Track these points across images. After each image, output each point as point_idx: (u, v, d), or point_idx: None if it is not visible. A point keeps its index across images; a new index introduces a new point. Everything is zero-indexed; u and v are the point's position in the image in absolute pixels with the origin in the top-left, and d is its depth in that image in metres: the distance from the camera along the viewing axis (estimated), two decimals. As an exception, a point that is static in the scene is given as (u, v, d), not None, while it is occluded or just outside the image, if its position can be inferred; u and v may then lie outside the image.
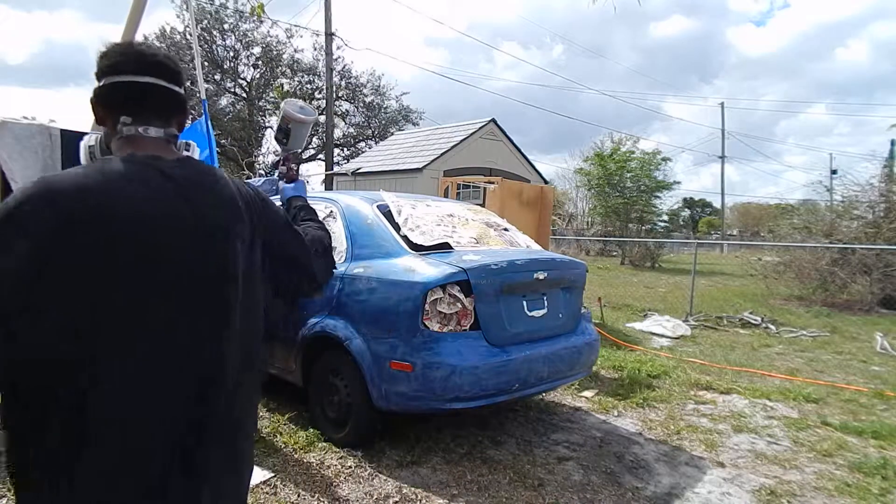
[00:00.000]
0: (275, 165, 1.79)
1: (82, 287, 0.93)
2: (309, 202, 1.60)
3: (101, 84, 1.10)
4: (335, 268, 1.47)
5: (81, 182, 0.96)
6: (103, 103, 1.11)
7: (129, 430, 0.98)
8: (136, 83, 1.09)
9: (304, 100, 26.88)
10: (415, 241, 3.28)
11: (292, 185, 1.64)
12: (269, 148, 29.39)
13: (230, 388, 1.08)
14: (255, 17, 23.41)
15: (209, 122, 3.55)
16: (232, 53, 26.53)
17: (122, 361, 0.96)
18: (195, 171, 1.11)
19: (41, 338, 0.92)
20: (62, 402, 0.93)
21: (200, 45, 24.31)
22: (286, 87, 26.36)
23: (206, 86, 23.58)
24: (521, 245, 3.89)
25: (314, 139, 28.96)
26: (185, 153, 1.18)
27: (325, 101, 17.47)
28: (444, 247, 3.29)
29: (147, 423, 1.00)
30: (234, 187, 1.15)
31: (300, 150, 1.95)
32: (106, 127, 1.13)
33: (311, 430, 3.40)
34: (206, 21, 24.91)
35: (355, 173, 16.27)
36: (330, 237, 1.47)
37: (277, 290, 1.29)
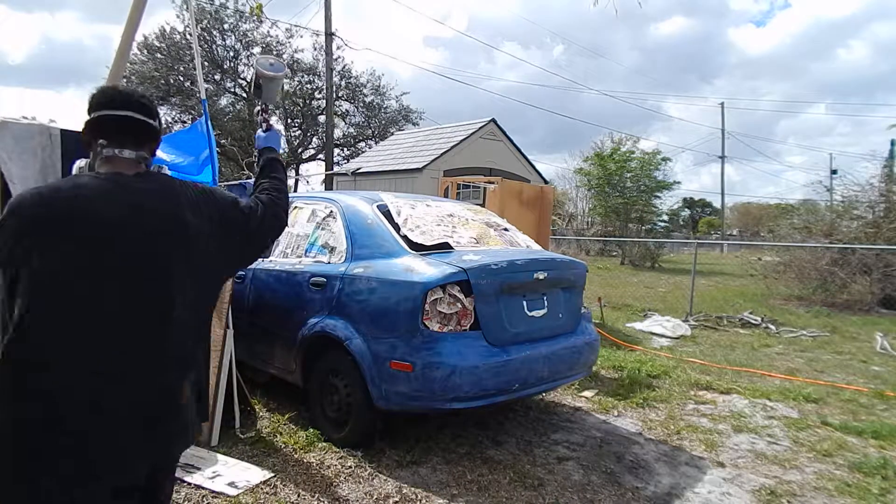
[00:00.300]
0: (256, 114, 2.04)
1: (44, 266, 1.22)
2: (277, 153, 1.86)
3: (91, 117, 1.40)
4: (286, 225, 1.72)
5: (44, 194, 1.29)
6: (91, 131, 1.40)
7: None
8: (117, 116, 1.39)
9: (304, 100, 26.99)
10: (415, 241, 3.28)
11: (265, 135, 1.89)
12: (269, 148, 29.31)
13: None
14: (254, 18, 23.42)
15: (209, 122, 3.55)
16: (232, 53, 26.52)
17: (68, 321, 1.24)
18: (149, 183, 1.39)
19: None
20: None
21: (200, 45, 24.29)
22: (286, 87, 26.35)
23: (206, 86, 23.58)
24: (521, 245, 3.88)
25: (314, 139, 28.99)
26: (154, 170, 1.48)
27: (325, 101, 17.47)
28: (444, 247, 3.29)
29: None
30: (183, 196, 1.41)
31: (274, 103, 2.20)
32: (92, 150, 1.41)
33: (311, 430, 3.40)
34: (206, 21, 24.88)
35: (355, 173, 16.26)
36: (286, 197, 1.72)
37: (228, 268, 1.60)
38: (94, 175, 1.35)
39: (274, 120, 2.01)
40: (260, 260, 4.02)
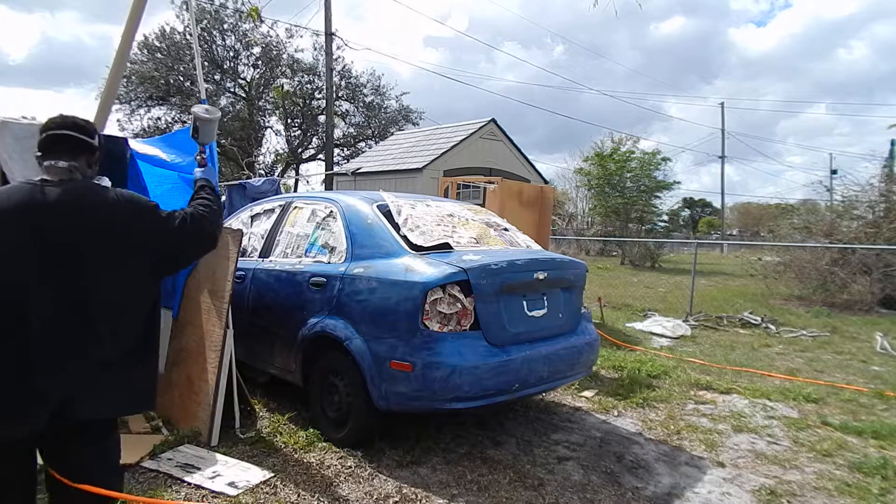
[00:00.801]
0: (196, 155, 2.44)
1: None
2: (210, 183, 2.19)
3: (41, 137, 1.77)
4: (215, 245, 2.02)
5: None
6: (40, 149, 1.76)
7: None
8: (56, 134, 1.77)
9: (304, 100, 27.00)
10: (414, 241, 3.28)
11: (202, 170, 2.27)
12: (269, 148, 29.40)
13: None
14: (252, 20, 23.40)
15: (209, 122, 3.54)
16: (232, 53, 26.52)
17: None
18: (67, 189, 1.70)
19: None
20: None
21: (200, 45, 24.23)
22: (286, 87, 26.34)
23: (206, 86, 23.52)
24: (521, 245, 3.88)
25: (314, 139, 28.98)
26: (96, 181, 1.82)
27: (325, 101, 17.47)
28: (444, 247, 3.29)
29: None
30: (93, 199, 1.72)
31: (211, 141, 2.60)
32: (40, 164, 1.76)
33: (311, 430, 3.40)
34: (206, 21, 24.88)
35: (355, 173, 16.26)
36: (212, 219, 1.99)
37: (152, 268, 1.83)
38: (26, 182, 1.70)
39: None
40: (259, 260, 4.02)
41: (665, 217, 28.79)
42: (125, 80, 22.48)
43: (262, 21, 22.22)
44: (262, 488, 2.78)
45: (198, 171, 2.26)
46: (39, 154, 1.75)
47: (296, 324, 3.48)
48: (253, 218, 4.49)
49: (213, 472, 2.88)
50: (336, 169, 18.19)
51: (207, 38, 25.11)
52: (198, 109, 2.49)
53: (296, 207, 4.10)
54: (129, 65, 20.68)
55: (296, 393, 3.79)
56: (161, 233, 1.82)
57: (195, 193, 2.12)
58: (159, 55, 24.49)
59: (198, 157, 2.39)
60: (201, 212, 1.96)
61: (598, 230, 23.02)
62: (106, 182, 1.90)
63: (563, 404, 4.23)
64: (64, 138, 1.77)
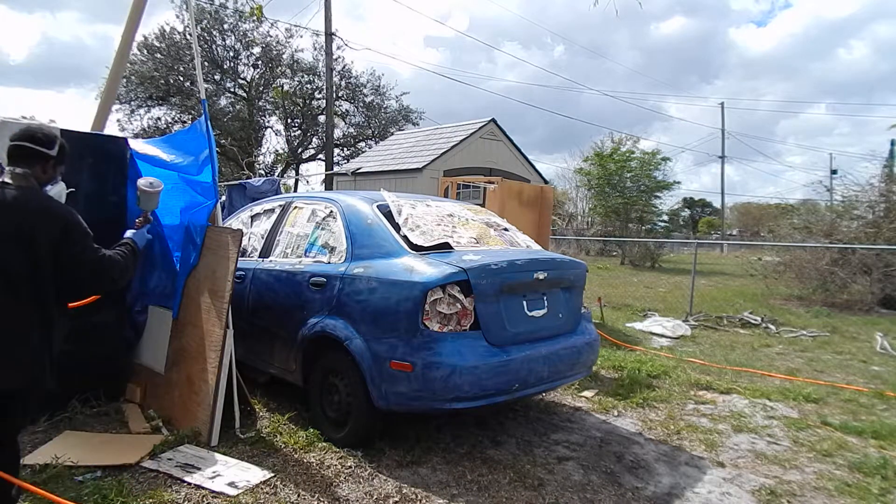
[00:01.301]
0: (138, 218, 2.75)
1: None
2: (135, 245, 2.44)
3: (8, 146, 2.08)
4: (113, 288, 2.32)
5: None
6: (7, 155, 2.07)
7: None
8: (14, 144, 2.09)
9: (304, 100, 27.00)
10: (415, 241, 3.28)
11: (133, 231, 2.54)
12: (269, 148, 29.39)
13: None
14: (253, 18, 23.40)
15: (209, 122, 3.55)
16: (232, 53, 26.49)
17: None
18: (13, 191, 2.01)
19: None
20: None
21: (200, 45, 24.29)
22: (286, 87, 26.34)
23: (206, 86, 23.55)
24: (521, 245, 3.88)
25: (314, 139, 28.98)
26: (48, 187, 2.15)
27: (325, 101, 17.47)
28: (444, 247, 3.29)
29: None
30: (30, 205, 2.00)
31: (152, 209, 2.93)
32: None
33: (311, 430, 3.40)
34: (205, 21, 24.86)
35: (355, 173, 16.25)
36: (123, 269, 2.25)
37: (65, 282, 2.08)
38: None
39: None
40: (259, 260, 4.02)
41: (665, 217, 28.81)
42: (125, 80, 22.47)
43: (264, 19, 22.27)
44: (262, 488, 2.78)
45: (129, 232, 2.53)
46: (8, 162, 2.07)
47: (296, 324, 3.48)
48: (253, 218, 4.49)
49: (213, 472, 2.88)
50: (336, 169, 18.18)
51: (207, 38, 25.09)
52: (142, 182, 2.89)
53: (296, 207, 4.10)
54: (129, 65, 20.69)
55: (296, 393, 3.79)
56: (79, 250, 2.07)
57: (121, 245, 2.38)
58: (159, 55, 24.46)
59: (137, 221, 2.70)
60: (118, 259, 2.24)
61: (598, 230, 23.02)
62: (57, 188, 2.19)
63: (563, 404, 4.23)
64: (20, 148, 2.07)
